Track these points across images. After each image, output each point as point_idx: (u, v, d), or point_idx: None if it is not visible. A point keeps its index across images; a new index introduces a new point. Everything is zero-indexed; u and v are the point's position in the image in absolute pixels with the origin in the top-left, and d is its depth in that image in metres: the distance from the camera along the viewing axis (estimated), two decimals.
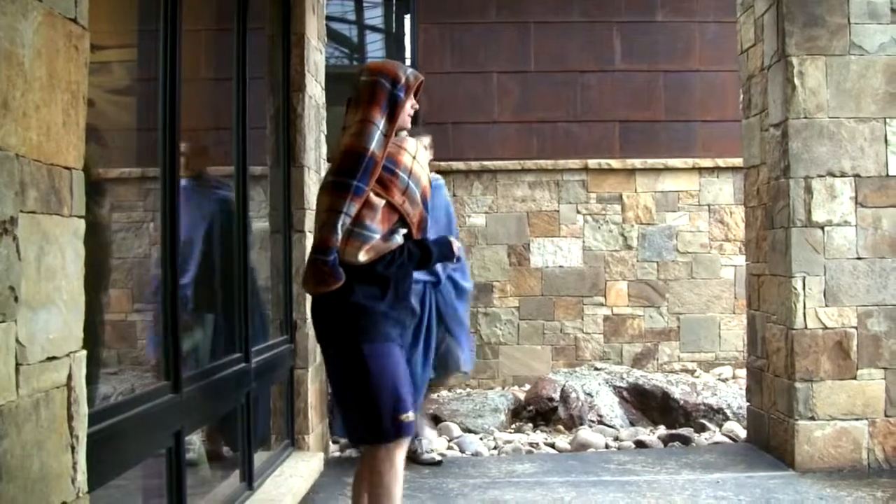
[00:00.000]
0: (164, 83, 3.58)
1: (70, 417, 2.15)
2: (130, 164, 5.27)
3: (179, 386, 3.44)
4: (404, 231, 3.50)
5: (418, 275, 4.95)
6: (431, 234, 3.90)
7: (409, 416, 3.40)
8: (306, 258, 3.56)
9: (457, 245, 3.82)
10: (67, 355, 2.14)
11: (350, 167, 3.35)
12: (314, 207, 4.32)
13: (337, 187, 3.36)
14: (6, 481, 1.85)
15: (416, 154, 3.55)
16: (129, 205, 5.40)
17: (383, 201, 3.41)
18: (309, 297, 3.77)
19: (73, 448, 2.15)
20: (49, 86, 2.07)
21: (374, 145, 3.37)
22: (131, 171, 5.31)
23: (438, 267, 5.55)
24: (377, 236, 3.39)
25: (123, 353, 6.09)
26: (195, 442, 4.44)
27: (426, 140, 5.81)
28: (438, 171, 9.10)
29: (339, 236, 3.31)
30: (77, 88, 2.22)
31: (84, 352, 2.22)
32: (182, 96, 3.65)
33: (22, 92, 1.95)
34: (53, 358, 2.07)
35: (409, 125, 3.61)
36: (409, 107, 3.56)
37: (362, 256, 3.36)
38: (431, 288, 5.81)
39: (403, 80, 3.51)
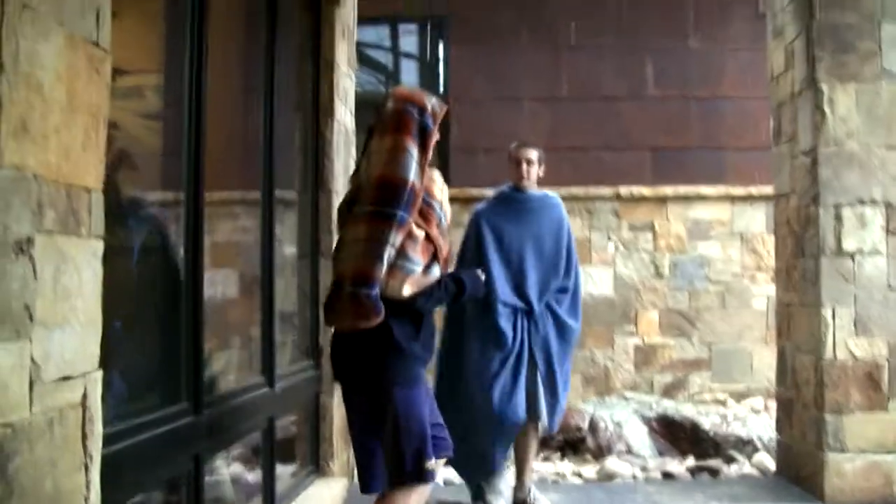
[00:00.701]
0: (189, 106, 3.62)
1: (84, 437, 2.16)
2: (158, 187, 5.31)
3: (200, 408, 3.45)
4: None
5: (512, 300, 5.07)
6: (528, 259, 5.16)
7: (432, 463, 3.31)
8: (334, 289, 3.47)
9: (482, 277, 3.81)
10: (83, 375, 2.16)
11: (392, 197, 3.26)
12: None
13: (380, 216, 3.26)
14: (18, 499, 1.86)
15: (442, 186, 3.54)
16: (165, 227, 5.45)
17: (423, 233, 3.37)
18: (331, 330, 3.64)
19: (86, 467, 2.17)
20: (69, 108, 2.10)
21: (412, 175, 3.30)
22: (165, 194, 5.36)
23: (532, 294, 5.12)
24: (419, 269, 3.34)
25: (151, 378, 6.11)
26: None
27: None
28: (469, 199, 9.14)
29: (384, 268, 3.24)
30: (98, 111, 2.25)
31: (100, 371, 2.24)
32: (208, 120, 3.69)
33: (41, 114, 1.98)
34: (68, 377, 2.09)
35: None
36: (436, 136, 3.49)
37: (406, 290, 3.28)
38: (524, 316, 5.13)
39: (430, 108, 3.45)
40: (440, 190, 3.52)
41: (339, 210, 3.66)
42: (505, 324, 5.08)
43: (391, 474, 3.32)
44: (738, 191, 9.29)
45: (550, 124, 9.27)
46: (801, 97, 5.76)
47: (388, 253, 3.23)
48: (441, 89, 9.72)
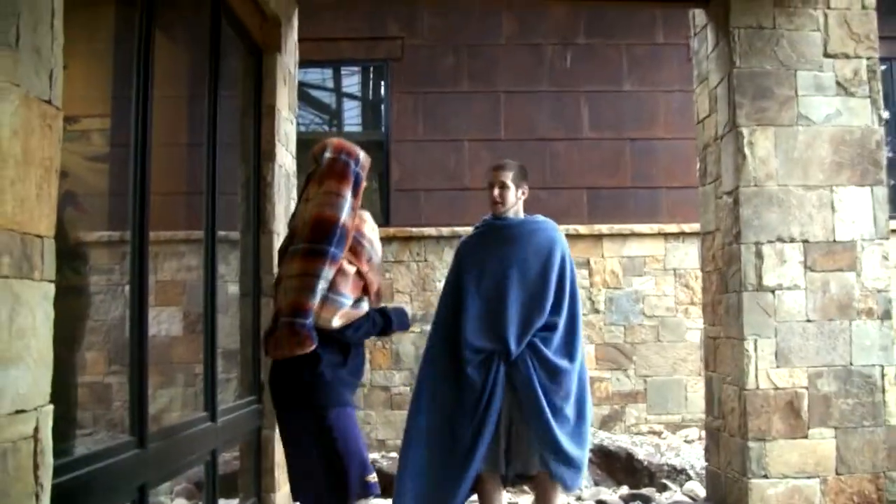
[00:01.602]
0: (135, 149, 3.78)
1: (36, 467, 2.31)
2: (105, 227, 5.44)
3: (145, 441, 3.61)
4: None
5: (483, 343, 4.57)
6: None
7: (373, 476, 3.57)
8: (273, 322, 3.70)
9: (410, 313, 4.04)
10: (35, 409, 2.31)
11: (325, 235, 3.53)
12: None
13: (314, 253, 3.52)
14: None
15: (373, 226, 3.79)
16: (105, 268, 5.56)
17: (354, 269, 3.60)
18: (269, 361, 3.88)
19: (37, 496, 2.32)
20: (24, 162, 2.27)
21: (344, 215, 3.57)
22: (109, 234, 5.49)
23: (510, 335, 4.57)
24: (349, 303, 3.58)
25: (99, 414, 6.20)
26: None
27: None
28: (409, 237, 9.35)
29: (317, 300, 3.48)
30: (50, 164, 2.42)
31: (51, 406, 2.40)
32: (153, 162, 3.86)
33: None
34: (22, 411, 2.25)
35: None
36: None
37: (336, 322, 3.53)
38: (500, 360, 4.58)
39: (362, 159, 3.77)
40: (371, 229, 3.76)
41: (280, 251, 3.92)
42: (473, 371, 4.57)
43: (336, 492, 3.53)
44: (672, 228, 9.57)
45: (490, 165, 9.49)
46: (724, 140, 6.05)
47: (321, 287, 3.49)
48: (383, 130, 9.94)
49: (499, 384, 4.54)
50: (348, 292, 3.58)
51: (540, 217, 4.99)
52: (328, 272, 3.50)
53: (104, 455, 3.29)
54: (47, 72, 2.40)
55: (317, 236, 3.55)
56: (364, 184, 3.78)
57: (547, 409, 4.51)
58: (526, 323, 4.64)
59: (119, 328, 5.33)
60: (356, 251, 3.64)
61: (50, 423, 2.38)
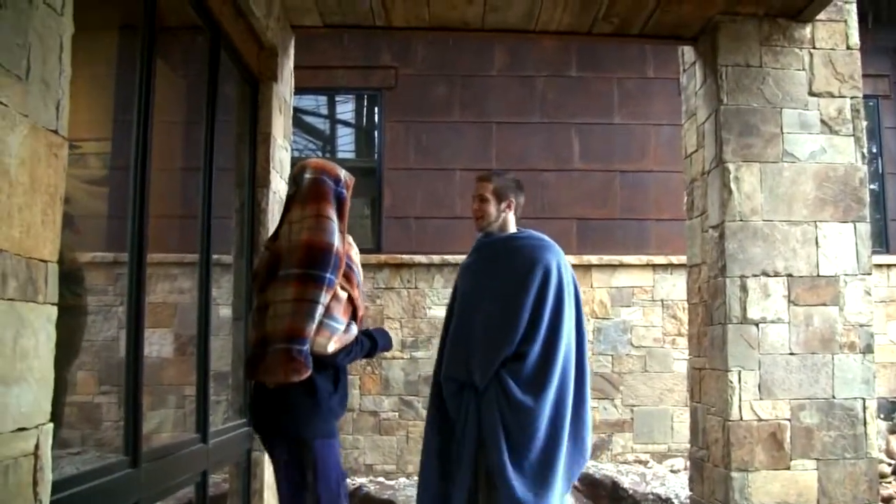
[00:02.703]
0: (135, 173, 3.87)
1: (35, 483, 2.39)
2: (101, 248, 5.52)
3: (139, 461, 3.68)
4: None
5: (455, 372, 4.31)
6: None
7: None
8: (259, 347, 3.71)
9: (389, 333, 4.06)
10: (36, 427, 2.39)
11: (320, 261, 3.53)
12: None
13: (312, 279, 3.51)
14: None
15: (356, 250, 3.85)
16: (99, 288, 5.62)
17: (346, 294, 3.65)
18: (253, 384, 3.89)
19: None
20: (31, 190, 2.36)
21: (336, 240, 3.59)
22: (104, 255, 5.56)
23: (475, 365, 4.22)
24: (342, 328, 3.62)
25: (87, 434, 6.25)
26: None
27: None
28: (400, 264, 9.44)
29: (314, 326, 3.49)
30: (55, 191, 2.51)
31: (51, 424, 2.47)
32: (152, 186, 3.95)
33: (7, 195, 2.24)
34: (23, 429, 2.33)
35: None
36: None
37: (331, 347, 3.55)
38: (471, 392, 4.22)
39: (343, 179, 3.77)
40: (356, 252, 3.81)
41: (256, 273, 3.91)
42: (450, 401, 4.33)
43: None
44: (660, 259, 9.69)
45: None
46: (711, 175, 6.16)
47: (318, 312, 3.49)
48: (376, 157, 10.05)
49: (470, 418, 4.18)
50: (341, 317, 3.61)
51: (528, 233, 4.53)
52: (326, 298, 3.52)
53: (99, 474, 3.36)
54: (55, 103, 2.49)
55: (313, 262, 3.54)
56: (348, 204, 3.78)
57: (504, 450, 4.06)
58: (490, 351, 4.20)
59: (110, 348, 5.40)
60: (348, 277, 3.66)
61: (50, 441, 2.46)
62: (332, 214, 3.65)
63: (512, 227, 4.55)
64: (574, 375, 4.27)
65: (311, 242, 3.59)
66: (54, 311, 2.50)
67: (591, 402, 4.30)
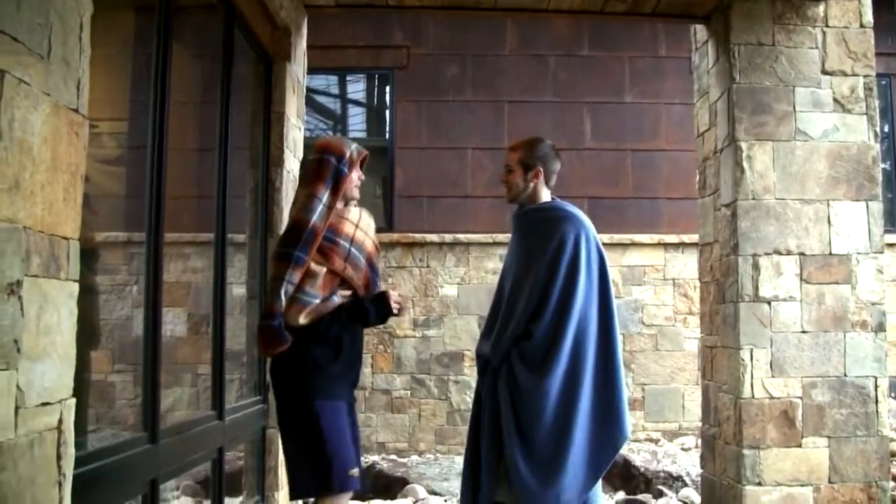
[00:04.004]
0: (152, 152, 3.91)
1: (59, 457, 2.43)
2: (116, 228, 5.55)
3: (157, 437, 3.73)
4: (349, 293, 3.81)
5: (480, 348, 4.21)
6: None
7: (355, 471, 3.68)
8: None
9: (395, 298, 3.97)
10: (59, 402, 2.43)
11: (292, 239, 3.68)
12: None
13: (280, 257, 3.68)
14: None
15: (358, 222, 3.87)
16: (113, 268, 5.66)
17: (324, 269, 3.72)
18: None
19: (60, 484, 2.44)
20: (53, 168, 2.40)
21: (315, 217, 3.69)
22: (117, 235, 5.59)
23: (491, 341, 4.13)
24: (316, 301, 3.71)
25: (102, 412, 6.30)
26: None
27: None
28: (412, 243, 9.47)
29: (283, 302, 3.63)
30: (76, 169, 2.54)
31: (73, 399, 2.52)
32: (168, 165, 3.99)
33: (30, 174, 2.27)
34: (47, 403, 2.37)
35: (356, 195, 3.91)
36: (356, 178, 3.88)
37: (302, 319, 3.67)
38: (492, 371, 4.09)
39: (348, 155, 3.84)
40: (352, 225, 3.83)
41: None
42: (478, 377, 4.26)
43: (317, 484, 3.65)
44: (671, 238, 9.70)
45: (492, 173, 9.60)
46: (723, 153, 6.15)
47: (286, 289, 3.64)
48: (387, 137, 10.06)
49: (489, 397, 4.08)
50: (316, 291, 3.71)
51: (554, 204, 4.32)
52: (293, 275, 3.64)
53: (118, 449, 3.42)
54: (75, 82, 2.52)
55: (285, 240, 3.72)
56: (354, 178, 3.86)
57: (514, 432, 3.93)
58: (501, 329, 4.11)
59: (125, 327, 5.45)
60: (325, 251, 3.73)
61: (73, 416, 2.51)
62: (323, 194, 3.76)
63: (543, 197, 4.32)
64: (600, 354, 4.07)
65: (291, 221, 3.77)
66: (76, 287, 2.54)
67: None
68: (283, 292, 3.63)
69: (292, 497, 3.87)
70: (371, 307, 3.88)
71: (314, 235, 3.68)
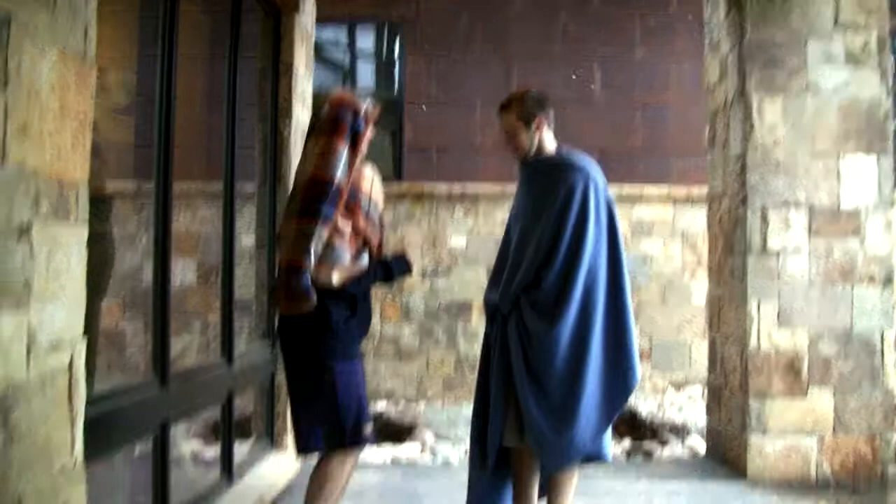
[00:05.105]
0: (160, 103, 3.93)
1: (71, 397, 2.48)
2: (126, 177, 5.58)
3: (167, 380, 3.79)
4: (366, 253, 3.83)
5: (488, 295, 4.24)
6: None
7: (370, 428, 3.71)
8: (276, 277, 3.78)
9: (409, 260, 4.03)
10: (70, 343, 2.48)
11: (318, 194, 3.58)
12: None
13: (306, 213, 3.58)
14: (17, 444, 2.19)
15: (373, 180, 3.86)
16: (123, 217, 5.70)
17: (349, 226, 3.68)
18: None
19: (72, 423, 2.49)
20: (61, 115, 2.42)
21: (339, 174, 3.61)
22: (126, 185, 5.63)
23: (500, 287, 4.13)
24: (347, 259, 3.67)
25: (113, 359, 6.39)
26: None
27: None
28: (421, 194, 9.49)
29: (313, 259, 3.55)
30: (84, 117, 2.56)
31: (84, 341, 2.56)
32: (177, 117, 4.01)
33: (39, 119, 2.30)
34: (58, 345, 2.41)
35: (365, 151, 3.84)
36: (370, 135, 3.81)
37: (335, 278, 3.62)
38: (501, 318, 4.12)
39: (363, 111, 3.77)
40: (370, 183, 3.82)
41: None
42: (487, 325, 4.28)
43: (330, 440, 3.69)
44: (680, 192, 9.70)
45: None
46: (733, 107, 6.13)
47: (315, 245, 3.56)
48: (396, 90, 10.05)
49: (498, 344, 4.10)
50: (345, 249, 3.67)
51: (562, 153, 4.24)
52: (321, 231, 3.57)
53: (129, 391, 3.48)
54: (82, 30, 2.53)
55: (310, 196, 3.60)
56: (368, 135, 3.79)
57: (525, 380, 3.97)
58: (512, 276, 4.10)
59: (135, 277, 5.50)
60: (351, 208, 3.69)
61: (83, 357, 2.55)
62: (342, 148, 3.68)
63: (549, 145, 4.23)
64: (610, 300, 4.06)
65: (314, 177, 3.64)
66: (85, 231, 2.57)
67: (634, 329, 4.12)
68: (312, 249, 3.55)
69: (299, 452, 3.90)
70: (395, 267, 3.91)
71: (340, 192, 3.62)
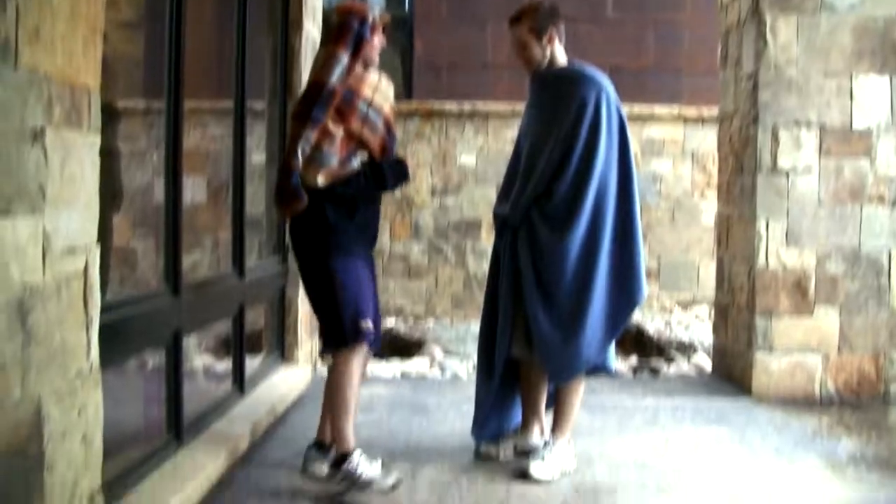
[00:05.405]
0: (170, 18, 3.91)
1: (86, 301, 2.53)
2: (136, 94, 5.56)
3: (179, 290, 3.84)
4: (364, 155, 3.84)
5: (498, 208, 4.26)
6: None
7: (368, 323, 3.76)
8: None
9: (406, 167, 4.03)
10: (84, 248, 2.52)
11: (310, 98, 3.71)
12: None
13: (298, 116, 3.73)
14: (34, 346, 2.24)
15: (377, 86, 3.86)
16: (133, 135, 5.70)
17: (341, 130, 3.72)
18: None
19: (87, 327, 2.55)
20: (71, 20, 2.43)
21: (333, 78, 3.70)
22: (136, 103, 5.61)
23: (510, 199, 4.15)
24: (334, 161, 3.71)
25: (125, 275, 6.43)
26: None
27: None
28: (431, 111, 9.45)
29: (300, 160, 3.65)
30: (95, 22, 2.57)
31: (98, 247, 2.60)
32: (186, 31, 3.99)
33: (50, 23, 2.30)
34: (73, 249, 2.45)
35: (376, 60, 3.87)
36: (377, 43, 3.84)
37: (321, 180, 3.69)
38: (510, 230, 4.15)
39: (371, 18, 3.82)
40: (371, 88, 3.82)
41: None
42: (496, 237, 4.31)
43: (332, 338, 3.79)
44: (691, 112, 9.64)
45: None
46: (746, 25, 6.06)
47: (303, 147, 3.66)
48: (407, 6, 9.95)
49: (507, 255, 4.14)
50: (333, 152, 3.71)
51: (573, 66, 4.21)
52: (309, 134, 3.66)
53: (142, 300, 3.53)
54: None
55: (303, 100, 3.75)
56: (376, 43, 3.83)
57: (535, 290, 4.03)
58: (522, 188, 4.11)
59: (146, 194, 5.52)
60: (343, 111, 3.72)
61: (97, 262, 2.59)
62: (343, 54, 3.75)
63: (560, 58, 4.19)
64: (619, 214, 4.09)
65: (310, 82, 3.79)
66: (98, 139, 2.60)
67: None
68: (299, 151, 3.65)
69: (321, 353, 4.00)
70: (389, 170, 3.91)
71: (332, 95, 3.69)
